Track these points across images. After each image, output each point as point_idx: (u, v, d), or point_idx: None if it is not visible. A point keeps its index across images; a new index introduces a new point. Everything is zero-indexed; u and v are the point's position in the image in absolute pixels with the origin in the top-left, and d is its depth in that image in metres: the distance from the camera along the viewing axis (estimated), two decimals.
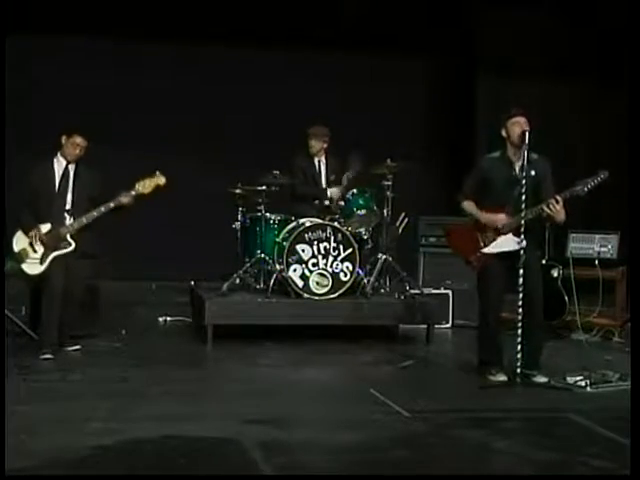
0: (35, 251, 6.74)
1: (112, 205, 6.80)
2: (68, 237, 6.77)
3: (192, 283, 8.46)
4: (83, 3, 10.11)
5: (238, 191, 8.25)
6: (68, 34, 10.19)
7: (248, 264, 8.02)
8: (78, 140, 6.89)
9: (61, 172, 6.89)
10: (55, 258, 6.74)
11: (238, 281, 7.99)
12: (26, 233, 6.76)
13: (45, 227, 6.77)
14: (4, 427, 4.67)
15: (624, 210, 9.49)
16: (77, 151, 6.90)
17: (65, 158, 6.89)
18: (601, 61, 10.89)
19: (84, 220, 6.78)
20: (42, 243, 6.73)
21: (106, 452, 4.57)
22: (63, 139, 6.89)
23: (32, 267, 6.74)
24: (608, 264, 8.52)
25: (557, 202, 6.14)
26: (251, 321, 7.64)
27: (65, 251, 6.76)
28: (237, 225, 8.30)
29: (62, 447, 4.60)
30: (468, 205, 6.45)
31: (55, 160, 6.92)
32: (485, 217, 6.36)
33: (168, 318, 8.57)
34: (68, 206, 6.83)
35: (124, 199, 6.81)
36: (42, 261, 6.72)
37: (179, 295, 9.12)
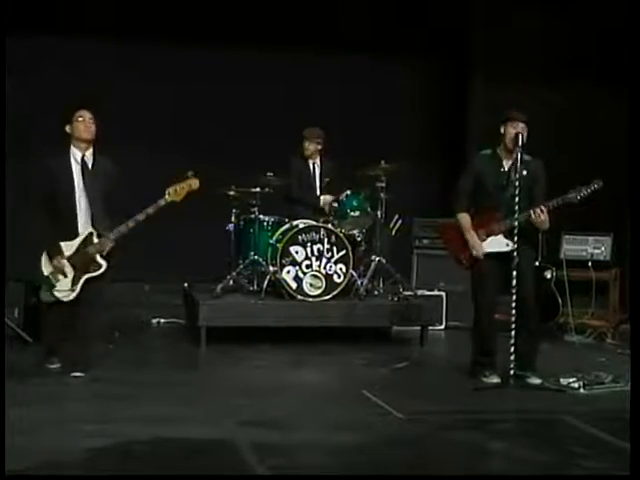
0: (65, 275, 6.18)
1: (140, 218, 6.20)
2: (98, 258, 6.20)
3: (185, 285, 8.45)
4: (83, 4, 10.11)
5: (232, 193, 8.25)
6: (67, 35, 10.17)
7: (242, 266, 8.03)
8: (85, 113, 6.24)
9: (79, 168, 6.23)
10: (87, 281, 6.19)
11: (232, 283, 7.99)
12: (50, 258, 6.18)
13: (71, 248, 6.18)
14: (4, 427, 4.66)
15: (617, 212, 9.53)
16: (87, 124, 6.22)
17: (79, 145, 6.23)
18: (597, 62, 10.90)
19: (112, 237, 6.18)
20: (71, 265, 6.17)
21: (100, 454, 4.57)
22: (68, 128, 6.25)
23: (64, 294, 6.17)
24: (601, 266, 8.54)
25: (541, 212, 6.18)
26: (245, 323, 7.64)
27: (97, 273, 6.19)
28: (231, 227, 8.30)
29: (56, 449, 4.60)
30: (462, 218, 6.48)
31: (71, 153, 6.24)
32: (469, 238, 6.39)
33: (162, 320, 8.56)
34: (88, 207, 6.22)
35: (151, 211, 6.21)
36: (74, 285, 6.17)
37: (173, 297, 9.11)
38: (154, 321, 8.54)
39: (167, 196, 6.27)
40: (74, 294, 6.20)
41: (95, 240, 6.21)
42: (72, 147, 6.27)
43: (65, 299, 6.21)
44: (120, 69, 10.46)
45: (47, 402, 5.53)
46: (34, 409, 5.33)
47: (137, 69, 10.54)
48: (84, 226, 6.24)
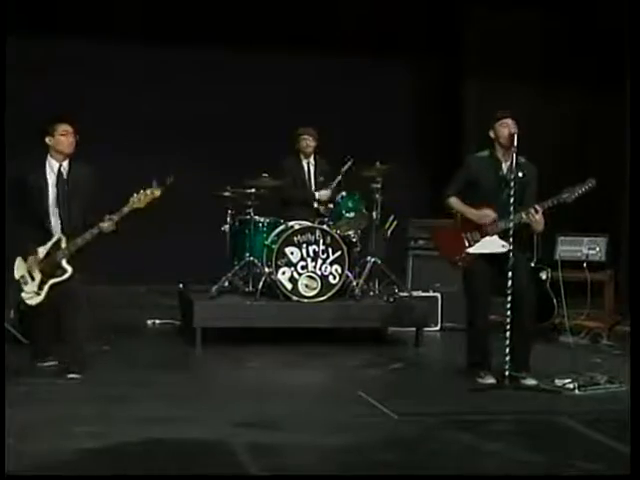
0: (33, 279, 6.31)
1: (104, 227, 6.26)
2: (64, 263, 6.30)
3: (181, 286, 8.45)
4: (80, 6, 10.10)
5: (227, 194, 8.25)
6: (65, 37, 10.17)
7: (237, 267, 8.02)
8: (66, 127, 6.32)
9: (55, 177, 6.35)
10: (52, 286, 6.30)
11: (227, 284, 7.98)
12: (25, 258, 6.35)
13: (43, 251, 6.30)
14: (4, 428, 4.66)
15: (612, 213, 9.54)
16: (70, 139, 6.32)
17: (57, 157, 6.35)
18: (593, 63, 10.91)
19: (79, 242, 6.25)
20: (40, 270, 6.29)
21: (93, 455, 4.56)
22: (48, 139, 6.32)
23: (30, 298, 6.32)
24: (596, 267, 8.54)
25: (536, 212, 6.18)
26: (240, 324, 7.64)
27: (62, 279, 6.30)
28: (226, 228, 8.29)
29: (49, 450, 4.59)
30: (455, 202, 6.45)
31: (47, 163, 6.37)
32: (472, 213, 6.37)
33: (157, 321, 8.55)
34: (63, 214, 6.34)
35: (108, 225, 6.27)
36: (39, 290, 6.30)
37: (168, 298, 9.10)
38: (149, 322, 8.54)
39: (130, 203, 6.34)
40: (39, 298, 6.30)
41: (63, 246, 6.29)
42: (50, 157, 6.39)
43: (29, 302, 6.33)
44: (113, 71, 10.46)
45: (41, 403, 5.53)
46: (28, 410, 5.32)
47: (130, 70, 10.54)
48: (57, 232, 6.35)
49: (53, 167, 6.38)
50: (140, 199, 6.34)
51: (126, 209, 6.32)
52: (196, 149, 10.55)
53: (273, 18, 10.61)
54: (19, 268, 6.40)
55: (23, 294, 6.35)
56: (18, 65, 8.99)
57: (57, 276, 6.29)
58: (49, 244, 6.32)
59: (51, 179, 6.36)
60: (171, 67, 10.65)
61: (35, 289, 6.31)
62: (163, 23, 10.45)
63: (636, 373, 4.99)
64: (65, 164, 6.41)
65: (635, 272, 6.27)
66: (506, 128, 6.28)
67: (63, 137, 6.32)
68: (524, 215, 6.19)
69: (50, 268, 6.29)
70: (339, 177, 8.27)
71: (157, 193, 6.38)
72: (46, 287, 6.29)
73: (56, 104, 9.72)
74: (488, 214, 6.30)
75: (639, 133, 6.49)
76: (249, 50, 10.57)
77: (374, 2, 10.78)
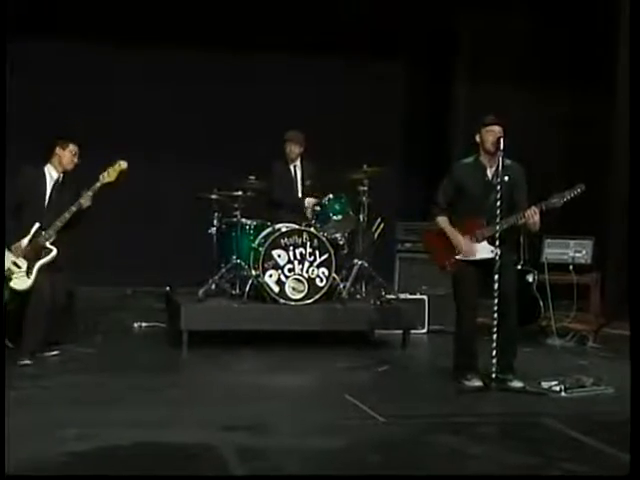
0: (19, 267, 6.64)
1: (82, 202, 6.70)
2: (48, 244, 6.70)
3: (168, 289, 8.43)
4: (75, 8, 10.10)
5: (214, 196, 8.24)
6: (61, 38, 10.16)
7: (224, 270, 8.01)
8: (76, 149, 6.90)
9: (52, 183, 6.86)
10: (41, 268, 6.66)
11: (214, 287, 7.97)
12: (9, 248, 6.66)
13: (25, 240, 6.69)
14: (4, 428, 4.64)
15: (599, 216, 9.58)
16: (75, 160, 6.90)
17: (60, 169, 6.87)
18: (582, 66, 10.95)
19: (58, 224, 6.69)
20: (24, 257, 6.65)
21: (81, 459, 4.54)
22: (58, 149, 6.87)
23: (20, 282, 6.62)
24: (582, 269, 8.57)
25: (535, 213, 6.18)
26: (227, 327, 7.62)
27: (49, 258, 6.69)
28: (213, 230, 8.28)
29: (37, 454, 4.57)
30: (442, 221, 6.47)
31: (46, 169, 6.89)
32: (453, 237, 6.38)
33: (143, 324, 8.53)
34: (53, 217, 6.72)
35: (85, 201, 6.73)
36: (29, 273, 6.63)
37: (155, 301, 9.08)
38: (136, 325, 8.51)
39: (101, 179, 6.82)
40: (29, 281, 6.65)
41: (43, 233, 6.71)
42: (50, 165, 6.90)
43: (19, 286, 6.63)
44: (104, 72, 10.44)
45: (26, 407, 5.49)
46: (13, 414, 5.28)
47: (119, 71, 10.52)
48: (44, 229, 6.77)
49: (52, 174, 6.90)
50: (109, 173, 6.83)
51: (98, 184, 6.79)
52: (183, 151, 10.54)
53: (267, 19, 10.60)
54: (6, 259, 6.66)
55: (11, 283, 6.63)
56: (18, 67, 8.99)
57: (43, 257, 6.70)
58: (29, 235, 6.71)
59: (50, 183, 6.86)
60: (161, 69, 10.64)
61: (24, 272, 6.65)
62: (159, 25, 10.43)
63: (636, 374, 4.99)
64: (61, 175, 6.92)
65: (635, 273, 6.28)
66: (491, 134, 6.27)
67: (72, 156, 6.90)
68: (522, 217, 6.18)
69: (35, 253, 6.68)
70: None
71: (124, 165, 6.89)
72: (35, 269, 6.67)
73: (51, 105, 9.79)
74: (464, 248, 6.32)
75: (639, 133, 6.50)
76: (241, 51, 10.58)
77: (368, 6, 10.79)
